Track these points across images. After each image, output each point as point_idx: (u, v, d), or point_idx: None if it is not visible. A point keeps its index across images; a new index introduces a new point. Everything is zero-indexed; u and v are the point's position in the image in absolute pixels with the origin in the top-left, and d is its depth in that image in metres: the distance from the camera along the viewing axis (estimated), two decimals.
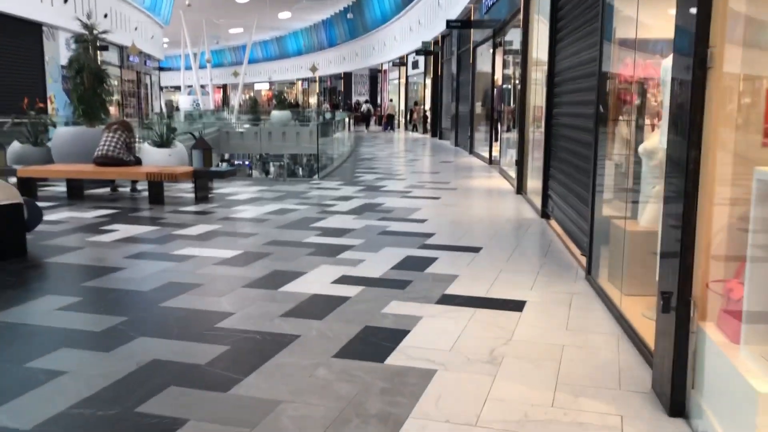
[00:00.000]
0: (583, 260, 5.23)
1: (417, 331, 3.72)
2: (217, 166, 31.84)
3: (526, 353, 3.39)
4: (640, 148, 4.22)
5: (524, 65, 9.38)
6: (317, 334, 3.65)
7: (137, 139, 10.33)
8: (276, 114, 36.39)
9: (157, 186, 8.26)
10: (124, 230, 6.58)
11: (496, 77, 14.50)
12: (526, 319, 3.95)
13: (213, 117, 38.03)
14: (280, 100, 38.71)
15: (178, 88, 55.65)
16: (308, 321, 3.87)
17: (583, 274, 4.99)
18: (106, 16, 25.13)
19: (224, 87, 71.35)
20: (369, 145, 20.79)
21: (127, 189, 9.42)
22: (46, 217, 7.23)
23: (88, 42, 10.26)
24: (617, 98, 4.72)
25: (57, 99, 21.38)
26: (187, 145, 11.86)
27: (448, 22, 17.51)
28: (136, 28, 29.78)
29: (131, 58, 29.79)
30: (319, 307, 4.15)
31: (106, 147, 8.64)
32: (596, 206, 4.78)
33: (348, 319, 3.90)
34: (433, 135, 26.02)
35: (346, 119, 28.13)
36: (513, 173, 10.90)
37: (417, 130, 30.67)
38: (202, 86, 48.76)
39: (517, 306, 4.21)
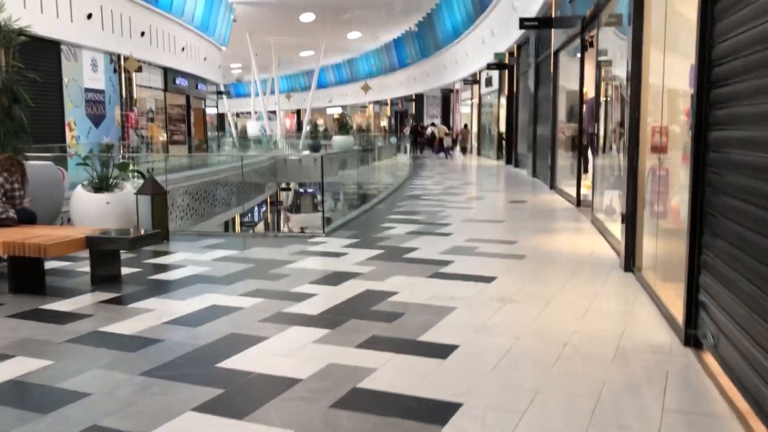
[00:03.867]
0: None
1: None
2: (275, 199, 29.01)
3: None
4: None
5: (636, 60, 5.68)
6: None
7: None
8: (337, 139, 33.70)
9: (24, 263, 5.08)
10: None
11: (585, 88, 10.74)
12: None
13: (271, 143, 35.91)
14: (342, 125, 36.10)
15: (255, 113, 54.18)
16: None
17: None
18: (143, 34, 22.95)
19: (297, 112, 69.90)
20: (426, 176, 17.27)
21: None
22: None
23: None
24: None
25: (79, 125, 19.13)
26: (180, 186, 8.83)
27: (522, 20, 13.86)
28: (183, 49, 27.66)
29: (177, 81, 27.65)
30: None
31: None
32: None
33: None
34: (508, 162, 22.22)
35: (404, 144, 24.88)
36: (616, 229, 7.14)
37: (465, 153, 28.81)
38: (272, 112, 47.00)
39: None
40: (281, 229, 28.30)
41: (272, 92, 46.11)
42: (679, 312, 4.06)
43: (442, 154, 29.32)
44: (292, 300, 4.84)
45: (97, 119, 20.31)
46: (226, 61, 48.63)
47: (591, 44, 10.34)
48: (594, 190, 9.20)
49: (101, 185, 7.34)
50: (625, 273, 5.72)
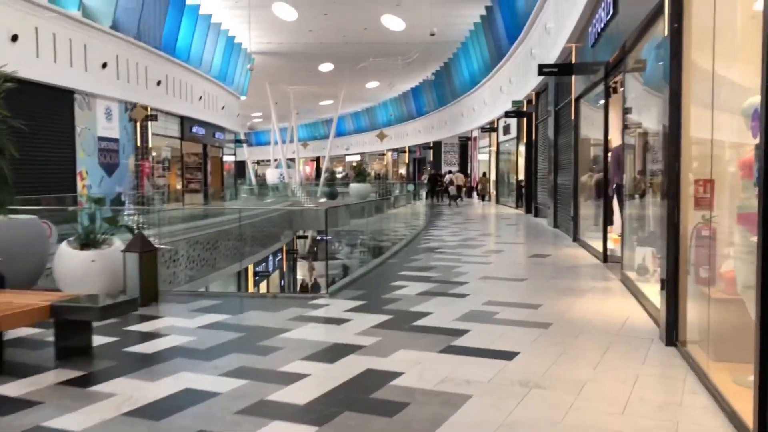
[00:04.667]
0: None
1: None
2: (291, 248, 28.33)
3: None
4: None
5: (674, 99, 5.03)
6: None
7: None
8: (354, 187, 33.33)
9: None
10: None
11: (610, 136, 10.11)
12: None
13: (288, 191, 35.67)
14: (359, 172, 35.78)
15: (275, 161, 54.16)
16: None
17: None
18: (159, 83, 22.89)
19: (317, 159, 70.09)
20: (442, 226, 16.61)
21: None
22: None
23: None
24: None
25: (91, 175, 18.83)
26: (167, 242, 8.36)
27: (541, 67, 13.36)
28: (200, 98, 27.63)
29: (194, 129, 27.52)
30: None
31: None
32: None
33: None
34: (528, 211, 21.52)
35: (421, 192, 24.31)
36: (651, 291, 6.41)
37: (484, 200, 30.07)
38: (292, 159, 47.04)
39: None
40: (292, 285, 27.53)
41: (292, 140, 46.24)
42: (743, 407, 3.33)
43: (458, 200, 29.14)
44: (278, 382, 4.15)
45: (110, 168, 20.07)
46: (247, 109, 49.01)
47: (615, 90, 9.75)
48: (623, 246, 8.47)
49: (87, 241, 6.77)
50: (667, 347, 4.96)
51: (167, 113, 24.12)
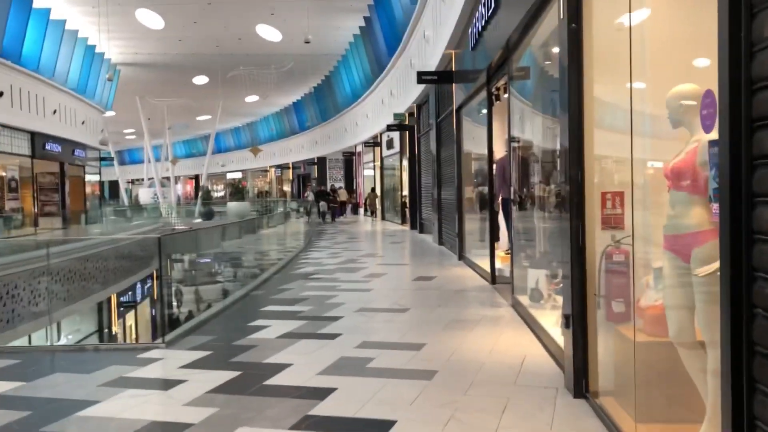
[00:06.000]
0: None
1: None
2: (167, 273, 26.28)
3: None
4: None
5: (574, 92, 4.15)
6: None
7: None
8: (232, 206, 31.50)
9: None
10: None
11: (495, 146, 9.36)
12: None
13: (156, 212, 33.25)
14: (238, 190, 34.01)
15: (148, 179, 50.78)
16: None
17: None
18: (2, 94, 20.24)
19: (196, 177, 66.91)
20: (323, 246, 15.40)
21: None
22: None
23: None
24: None
25: None
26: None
27: (420, 74, 12.55)
28: (54, 112, 24.94)
29: (48, 146, 24.78)
30: None
31: None
32: None
33: None
34: (413, 227, 20.78)
35: (303, 210, 23.11)
36: (548, 322, 5.55)
37: (374, 216, 29.67)
38: (166, 178, 44.27)
39: None
40: (164, 314, 25.33)
41: (167, 158, 43.57)
42: None
43: (340, 217, 28.36)
44: None
45: None
46: (118, 125, 45.70)
47: (498, 97, 9.02)
48: (512, 266, 7.64)
49: None
50: (576, 400, 4.03)
51: (13, 128, 21.49)
